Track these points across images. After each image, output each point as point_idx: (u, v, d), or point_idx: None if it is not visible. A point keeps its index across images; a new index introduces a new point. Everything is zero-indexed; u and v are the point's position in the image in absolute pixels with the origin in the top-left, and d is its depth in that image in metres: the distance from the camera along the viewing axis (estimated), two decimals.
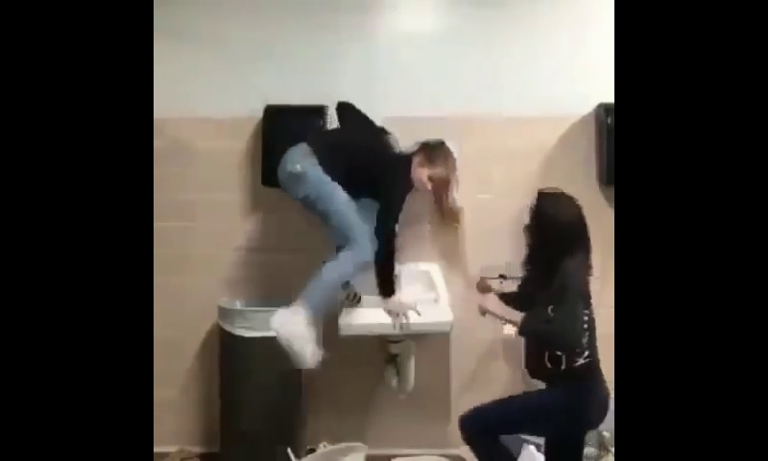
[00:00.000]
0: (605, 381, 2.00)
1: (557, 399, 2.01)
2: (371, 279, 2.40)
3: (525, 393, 2.17)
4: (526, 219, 2.09)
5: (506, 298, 2.16)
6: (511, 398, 2.14)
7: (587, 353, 1.96)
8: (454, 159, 2.51)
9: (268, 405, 2.23)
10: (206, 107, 2.83)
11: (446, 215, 2.71)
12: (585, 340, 1.95)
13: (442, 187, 2.54)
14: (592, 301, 2.01)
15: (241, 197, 2.85)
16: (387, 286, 2.36)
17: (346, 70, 2.81)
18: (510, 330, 2.62)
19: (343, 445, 2.62)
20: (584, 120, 2.80)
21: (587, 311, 1.97)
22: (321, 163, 2.30)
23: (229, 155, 2.84)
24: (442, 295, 2.55)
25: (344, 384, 2.85)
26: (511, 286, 2.38)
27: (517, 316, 2.01)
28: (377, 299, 2.42)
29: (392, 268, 2.38)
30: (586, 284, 1.99)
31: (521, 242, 2.13)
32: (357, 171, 2.37)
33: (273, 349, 2.11)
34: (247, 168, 2.83)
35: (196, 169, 2.85)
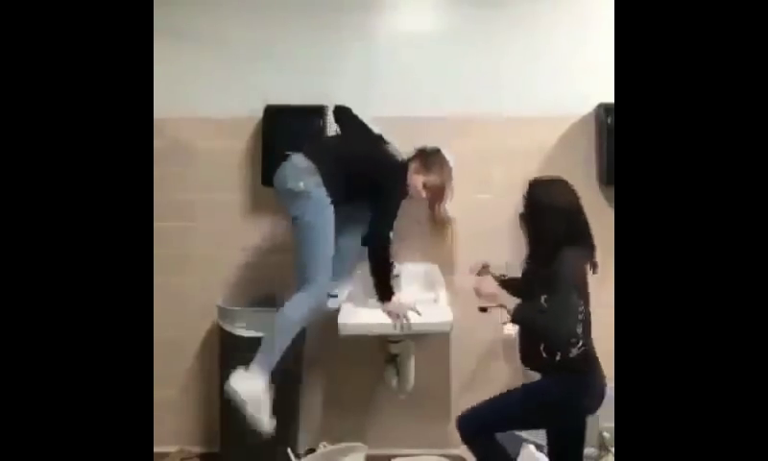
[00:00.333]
0: (601, 369, 1.99)
1: (551, 390, 1.99)
2: (370, 280, 2.40)
3: (520, 386, 2.14)
4: (521, 208, 2.06)
5: (507, 284, 2.11)
6: (506, 393, 2.10)
7: (581, 343, 1.94)
8: (450, 168, 2.52)
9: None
10: (206, 107, 2.83)
11: (438, 223, 2.74)
12: (579, 330, 1.92)
13: (436, 195, 2.55)
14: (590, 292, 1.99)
15: (241, 197, 2.85)
16: (385, 290, 2.37)
17: (346, 70, 2.82)
18: (510, 330, 2.63)
19: (343, 445, 2.63)
20: (584, 120, 2.80)
21: (582, 302, 1.94)
22: (323, 177, 2.27)
23: (229, 155, 2.84)
24: (441, 295, 2.55)
25: (344, 384, 2.85)
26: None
27: (512, 301, 1.95)
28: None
29: (388, 273, 2.40)
30: (582, 275, 1.96)
31: (521, 241, 2.12)
32: (357, 178, 2.35)
33: None
34: (247, 168, 2.83)
35: (196, 169, 2.85)
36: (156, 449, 2.07)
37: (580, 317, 1.93)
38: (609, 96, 2.29)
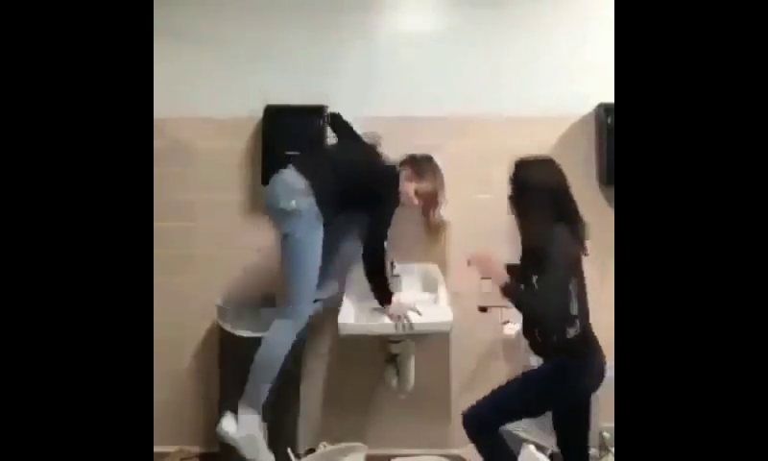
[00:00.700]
0: (600, 349, 1.98)
1: (548, 373, 1.99)
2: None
3: (520, 375, 2.13)
4: (509, 190, 2.04)
5: (509, 270, 2.05)
6: (505, 384, 2.09)
7: (578, 323, 1.93)
8: (442, 175, 2.52)
9: (267, 405, 2.24)
10: (206, 107, 2.83)
11: (432, 229, 2.74)
12: (575, 310, 1.91)
13: (429, 202, 2.55)
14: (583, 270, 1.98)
15: (241, 197, 2.85)
16: (384, 294, 2.37)
17: (346, 70, 2.82)
18: (510, 330, 2.63)
19: (343, 445, 2.63)
20: (584, 120, 2.80)
21: (575, 280, 1.93)
22: (316, 196, 2.23)
23: (229, 155, 2.84)
24: (441, 295, 2.55)
25: (344, 384, 2.85)
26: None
27: (505, 277, 1.92)
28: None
29: (385, 278, 2.40)
30: (574, 253, 1.94)
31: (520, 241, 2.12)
32: (352, 189, 2.33)
33: None
34: (247, 168, 2.83)
35: (196, 169, 2.85)
36: (155, 449, 2.07)
37: (574, 295, 1.91)
38: (609, 96, 2.29)
